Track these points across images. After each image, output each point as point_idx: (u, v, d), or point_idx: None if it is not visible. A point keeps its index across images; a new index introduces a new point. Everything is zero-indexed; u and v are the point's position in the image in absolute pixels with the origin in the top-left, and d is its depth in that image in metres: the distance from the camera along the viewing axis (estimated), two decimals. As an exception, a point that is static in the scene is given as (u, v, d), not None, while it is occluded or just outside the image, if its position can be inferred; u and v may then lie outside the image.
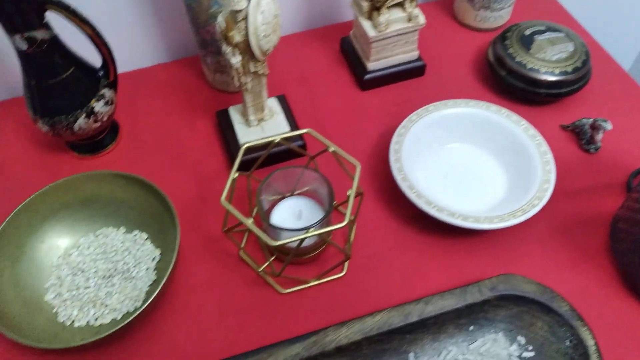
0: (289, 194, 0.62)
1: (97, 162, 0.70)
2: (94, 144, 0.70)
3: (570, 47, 0.71)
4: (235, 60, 0.57)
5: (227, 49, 0.57)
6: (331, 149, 0.55)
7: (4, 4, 0.53)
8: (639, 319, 0.56)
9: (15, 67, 0.75)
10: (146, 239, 0.62)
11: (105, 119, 0.66)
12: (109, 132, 0.71)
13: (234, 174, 0.54)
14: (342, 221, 0.50)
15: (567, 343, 0.52)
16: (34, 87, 0.61)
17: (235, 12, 0.54)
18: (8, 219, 0.58)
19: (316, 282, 0.59)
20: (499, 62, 0.73)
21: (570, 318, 0.52)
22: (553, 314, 0.53)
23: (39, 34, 0.57)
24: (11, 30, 0.56)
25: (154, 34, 0.80)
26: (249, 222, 0.50)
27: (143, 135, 0.73)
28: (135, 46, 0.79)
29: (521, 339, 0.54)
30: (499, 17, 0.82)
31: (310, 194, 0.62)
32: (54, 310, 0.57)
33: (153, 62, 0.82)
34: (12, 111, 0.76)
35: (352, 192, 0.52)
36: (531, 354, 0.53)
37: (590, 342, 0.51)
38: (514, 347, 0.53)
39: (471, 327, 0.54)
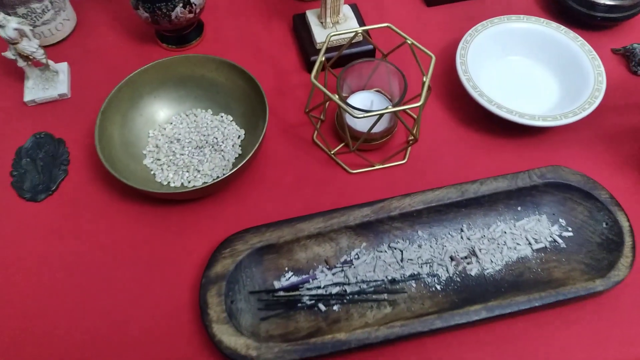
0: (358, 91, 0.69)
1: (183, 54, 0.77)
2: (182, 37, 0.77)
3: (631, -27, 0.75)
4: (327, -44, 0.63)
5: (319, -54, 0.63)
6: (409, 41, 0.61)
7: None
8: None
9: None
10: (231, 120, 0.70)
11: (197, 11, 0.73)
12: (195, 27, 0.78)
13: (321, 57, 0.61)
14: (407, 120, 0.56)
15: (604, 225, 0.59)
16: (140, -25, 0.68)
17: None
18: (114, 90, 0.66)
19: (381, 166, 0.66)
20: (560, -14, 0.77)
21: (608, 204, 0.59)
22: (593, 201, 0.60)
23: None
24: None
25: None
26: (335, 97, 0.58)
27: (224, 34, 0.80)
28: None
29: (562, 221, 0.61)
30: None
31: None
32: (152, 172, 0.66)
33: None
34: (106, 6, 0.83)
35: (427, 78, 0.58)
36: (570, 233, 0.60)
37: (625, 223, 0.58)
38: (555, 227, 0.61)
39: (519, 208, 0.62)
